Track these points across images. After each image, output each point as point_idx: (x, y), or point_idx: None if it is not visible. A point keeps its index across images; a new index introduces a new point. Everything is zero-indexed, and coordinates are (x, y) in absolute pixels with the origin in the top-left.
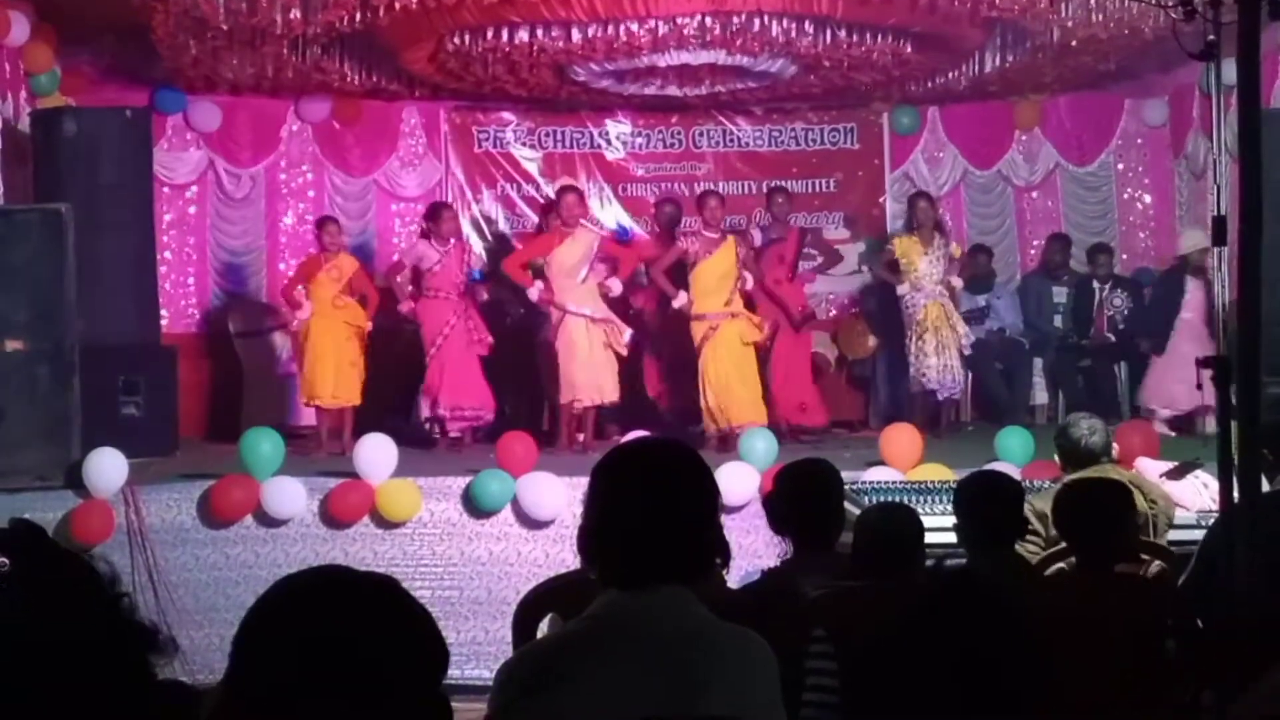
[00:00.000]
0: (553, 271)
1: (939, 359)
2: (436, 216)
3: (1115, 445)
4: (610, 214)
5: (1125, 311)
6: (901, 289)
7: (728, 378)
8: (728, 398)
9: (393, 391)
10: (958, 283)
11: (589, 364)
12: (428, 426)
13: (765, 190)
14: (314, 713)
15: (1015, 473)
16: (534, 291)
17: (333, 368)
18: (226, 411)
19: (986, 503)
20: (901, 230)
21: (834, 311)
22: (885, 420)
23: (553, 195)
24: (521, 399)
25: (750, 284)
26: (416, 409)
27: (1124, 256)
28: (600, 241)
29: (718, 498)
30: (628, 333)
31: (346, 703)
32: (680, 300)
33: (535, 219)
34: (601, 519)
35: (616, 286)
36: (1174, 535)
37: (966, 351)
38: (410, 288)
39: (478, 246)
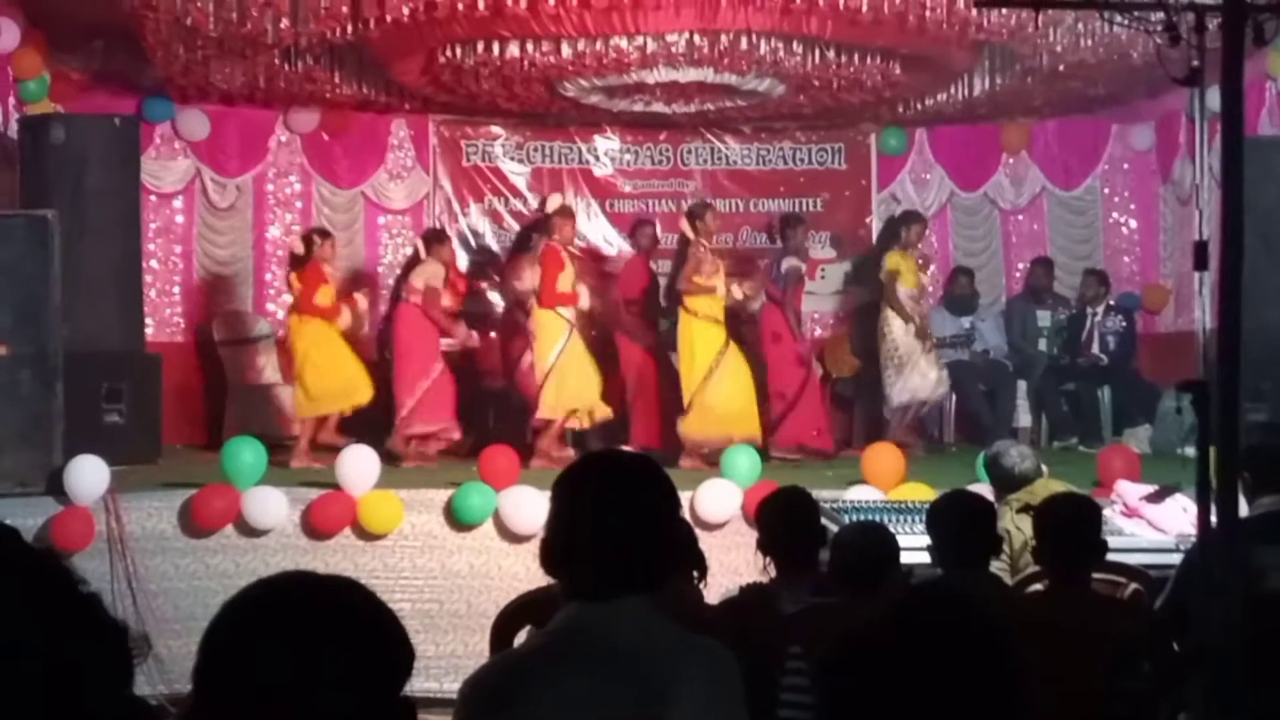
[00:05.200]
0: None
1: (920, 372)
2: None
3: (1044, 467)
4: (597, 229)
5: (1118, 336)
6: (885, 313)
7: (730, 393)
8: (718, 411)
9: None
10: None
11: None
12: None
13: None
14: (277, 716)
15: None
16: None
17: (350, 373)
18: (209, 420)
19: (959, 522)
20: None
21: (819, 330)
22: (867, 439)
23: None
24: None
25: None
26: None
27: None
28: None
29: (677, 508)
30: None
31: (309, 706)
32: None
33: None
34: (560, 532)
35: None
36: (1152, 559)
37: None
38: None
39: (463, 261)
